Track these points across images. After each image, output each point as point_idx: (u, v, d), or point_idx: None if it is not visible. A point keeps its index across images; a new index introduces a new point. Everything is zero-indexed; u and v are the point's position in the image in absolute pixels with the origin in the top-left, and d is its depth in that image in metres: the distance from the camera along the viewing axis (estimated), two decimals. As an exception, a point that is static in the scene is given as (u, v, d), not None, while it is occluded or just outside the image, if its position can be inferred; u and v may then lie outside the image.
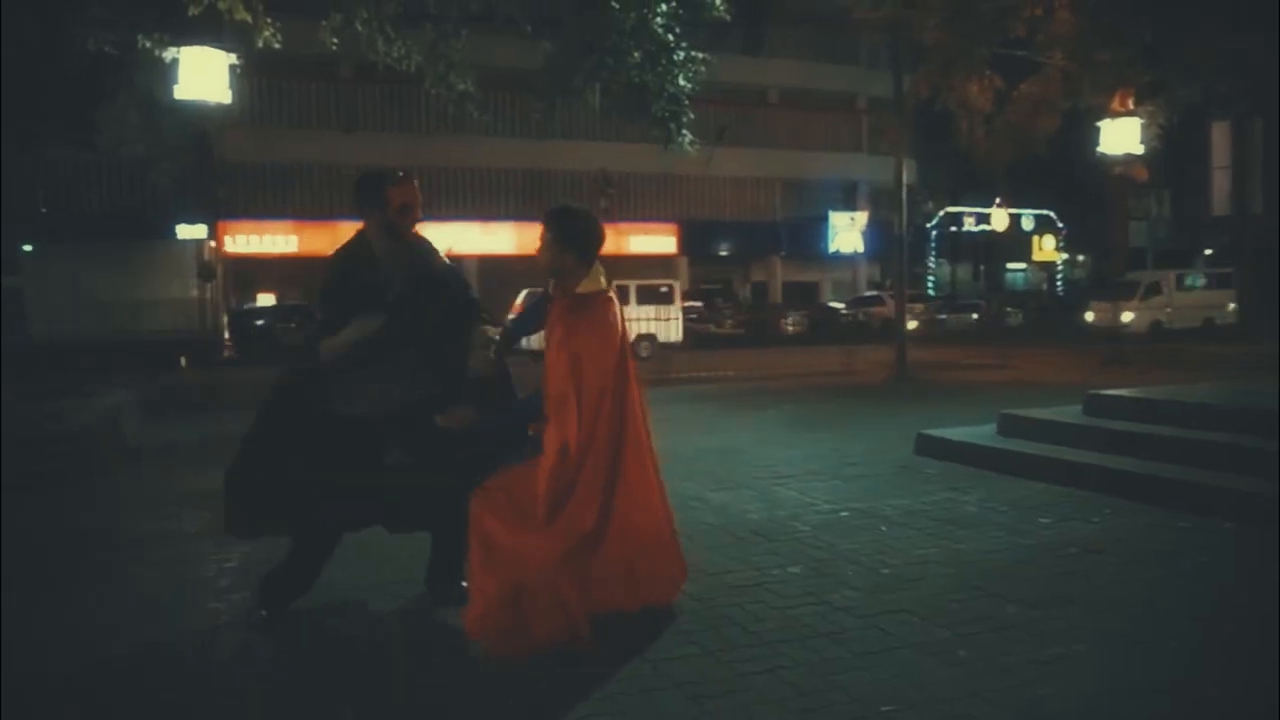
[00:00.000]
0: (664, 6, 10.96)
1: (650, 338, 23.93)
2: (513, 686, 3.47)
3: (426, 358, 4.08)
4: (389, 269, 4.12)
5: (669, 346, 23.41)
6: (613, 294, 4.09)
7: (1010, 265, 54.36)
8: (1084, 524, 5.61)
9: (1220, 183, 32.07)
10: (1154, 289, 29.53)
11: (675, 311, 24.98)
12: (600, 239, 4.05)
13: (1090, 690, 3.36)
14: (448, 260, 4.36)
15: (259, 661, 3.85)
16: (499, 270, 34.77)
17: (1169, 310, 29.27)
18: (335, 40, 11.08)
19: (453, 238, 34.15)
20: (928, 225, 43.96)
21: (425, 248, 4.28)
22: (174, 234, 28.14)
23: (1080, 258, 55.08)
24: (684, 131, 11.92)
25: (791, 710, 3.23)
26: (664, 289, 25.51)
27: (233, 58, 11.63)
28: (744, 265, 41.97)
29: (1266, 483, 5.74)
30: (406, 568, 4.71)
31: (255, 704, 3.46)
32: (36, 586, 4.90)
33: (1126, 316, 26.60)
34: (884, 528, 5.61)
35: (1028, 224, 47.71)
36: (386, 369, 3.98)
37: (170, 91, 11.43)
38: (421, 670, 3.66)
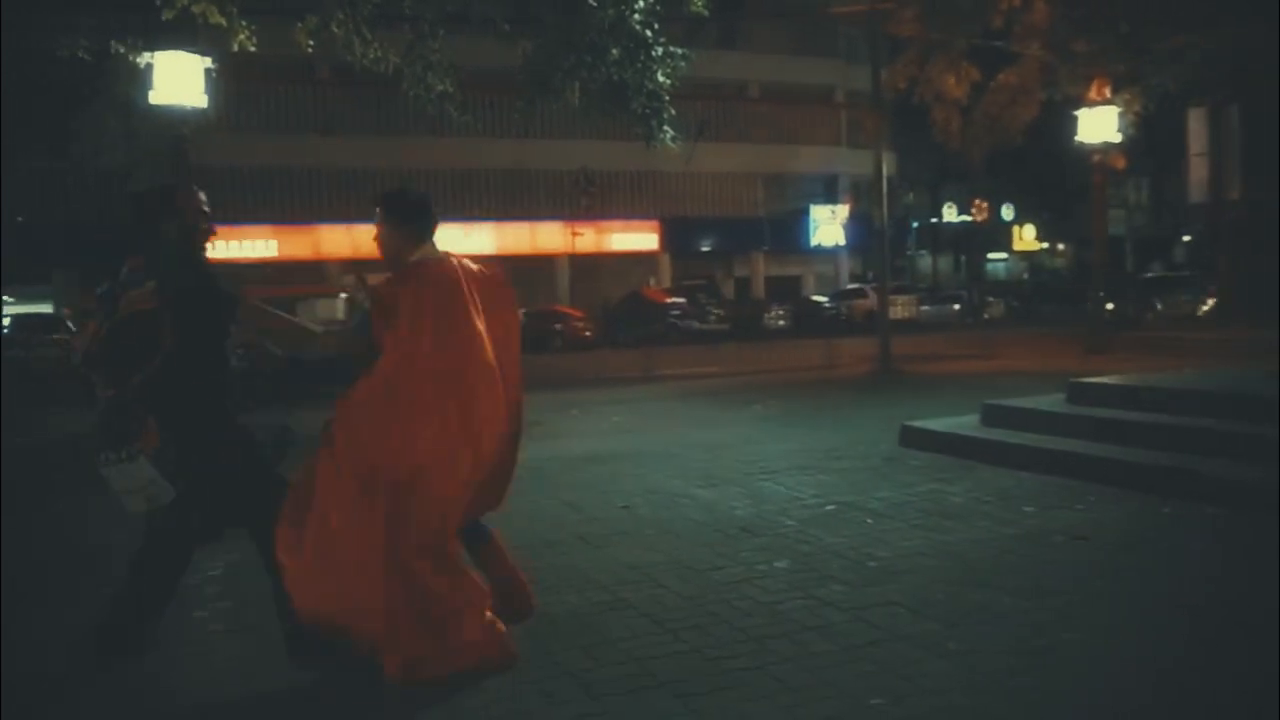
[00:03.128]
0: (641, 3, 10.96)
1: None
2: (492, 690, 3.44)
3: None
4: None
5: None
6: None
7: (991, 255, 54.57)
8: (1069, 512, 5.62)
9: (1197, 169, 32.17)
10: None
11: None
12: (430, 215, 3.79)
13: (1080, 680, 3.37)
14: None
15: (252, 667, 3.82)
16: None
17: None
18: (311, 43, 11.02)
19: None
20: (909, 219, 44.13)
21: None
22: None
23: (1061, 247, 55.37)
24: (665, 127, 11.94)
25: (780, 705, 3.22)
26: None
27: (207, 61, 11.57)
28: (727, 260, 41.98)
29: (1252, 468, 5.77)
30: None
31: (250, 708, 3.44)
32: (36, 591, 4.85)
33: None
34: (870, 520, 5.61)
35: (1007, 214, 47.91)
36: None
37: (146, 97, 11.37)
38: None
